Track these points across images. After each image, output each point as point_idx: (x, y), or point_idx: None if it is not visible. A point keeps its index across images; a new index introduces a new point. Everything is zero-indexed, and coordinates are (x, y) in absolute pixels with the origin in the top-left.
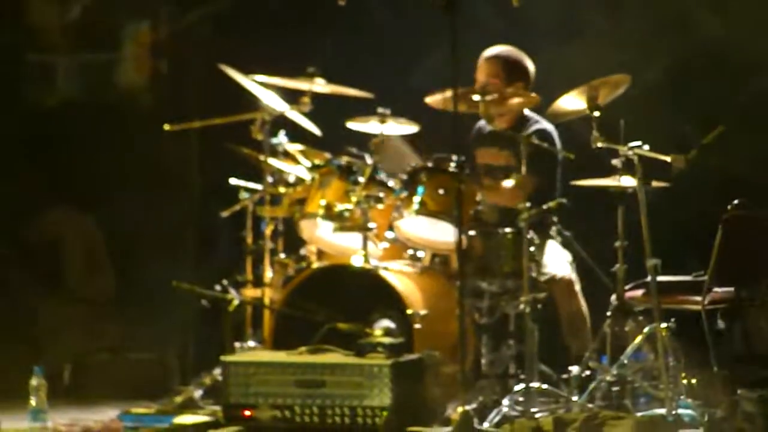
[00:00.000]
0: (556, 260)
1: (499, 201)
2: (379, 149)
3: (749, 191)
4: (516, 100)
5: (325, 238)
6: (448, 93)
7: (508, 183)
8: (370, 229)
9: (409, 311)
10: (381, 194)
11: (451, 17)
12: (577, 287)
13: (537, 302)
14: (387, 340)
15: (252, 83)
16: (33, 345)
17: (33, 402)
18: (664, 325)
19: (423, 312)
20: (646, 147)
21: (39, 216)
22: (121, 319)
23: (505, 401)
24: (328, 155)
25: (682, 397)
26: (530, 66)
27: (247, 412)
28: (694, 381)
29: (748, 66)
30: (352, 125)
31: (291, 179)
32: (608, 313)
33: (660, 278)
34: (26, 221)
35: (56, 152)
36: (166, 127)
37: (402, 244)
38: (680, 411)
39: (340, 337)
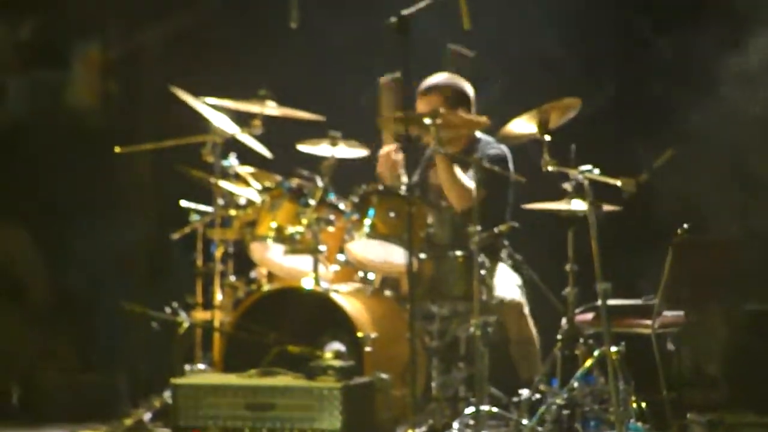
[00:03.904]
0: (506, 284)
1: (449, 186)
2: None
3: (699, 215)
4: (464, 124)
5: (276, 260)
6: (400, 116)
7: (470, 183)
8: (321, 252)
9: (359, 334)
10: (332, 217)
11: (403, 38)
12: (526, 310)
13: (487, 325)
14: (337, 362)
15: (203, 105)
16: None
17: None
18: (614, 348)
19: (373, 335)
20: (596, 171)
21: None
22: (71, 340)
23: (456, 424)
24: (279, 178)
25: (632, 420)
26: (469, 90)
27: None
28: (644, 404)
29: (699, 88)
30: (303, 148)
31: (242, 202)
32: (559, 337)
33: (610, 302)
34: None
35: (5, 172)
36: (117, 149)
37: (353, 266)
38: None
39: (290, 360)
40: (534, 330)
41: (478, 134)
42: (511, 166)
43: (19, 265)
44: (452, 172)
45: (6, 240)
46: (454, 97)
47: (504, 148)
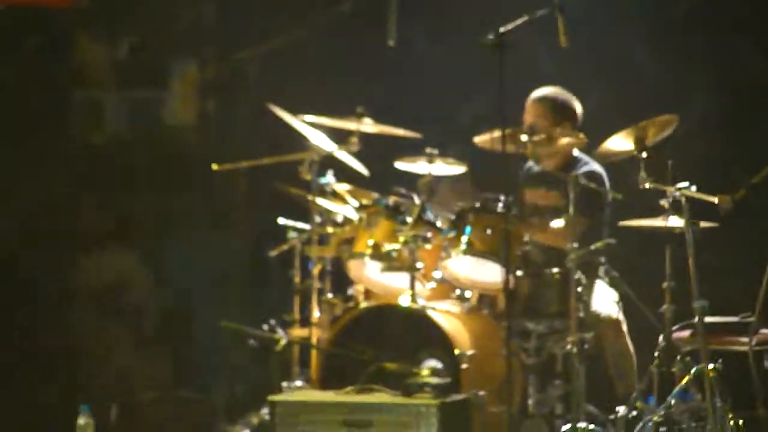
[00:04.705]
0: (604, 300)
1: (549, 241)
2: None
3: None
4: (563, 141)
5: (373, 277)
6: (497, 133)
7: (558, 223)
8: (418, 269)
9: (456, 351)
10: (428, 234)
11: (500, 57)
12: (624, 327)
13: (584, 342)
14: (434, 380)
15: (300, 123)
16: (79, 383)
17: None
18: (711, 365)
19: (470, 352)
20: (693, 188)
21: (92, 256)
22: (169, 358)
23: None
24: (375, 195)
25: None
26: (578, 107)
27: None
28: (741, 422)
29: None
30: (400, 165)
31: (339, 219)
32: (655, 354)
33: (707, 319)
34: (77, 260)
35: (104, 191)
36: (215, 166)
37: (449, 284)
38: None
39: (387, 377)
40: (631, 345)
41: (576, 153)
42: (607, 183)
43: (134, 289)
44: (547, 233)
45: (120, 264)
46: (561, 111)
47: (598, 167)
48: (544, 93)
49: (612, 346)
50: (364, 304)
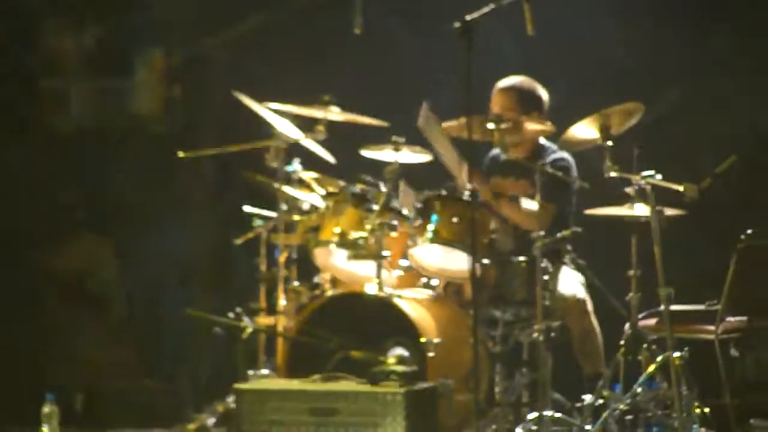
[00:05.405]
0: (569, 282)
1: (520, 223)
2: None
3: (763, 220)
4: (531, 128)
5: (339, 265)
6: (463, 120)
7: (532, 205)
8: (384, 257)
9: (422, 339)
10: (395, 222)
11: (467, 43)
12: (590, 307)
13: (550, 330)
14: (400, 368)
15: (266, 111)
16: (44, 371)
17: (45, 429)
18: (677, 353)
19: (437, 340)
20: (659, 176)
21: (58, 244)
22: (135, 347)
23: (519, 430)
24: (342, 183)
25: (695, 426)
26: (544, 95)
27: None
28: (707, 410)
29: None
30: (367, 153)
31: (305, 207)
32: (621, 342)
33: (673, 307)
34: (44, 248)
35: (69, 179)
36: (181, 154)
37: (416, 272)
38: None
39: (353, 365)
40: (596, 325)
41: (543, 141)
42: (574, 172)
43: (100, 277)
44: (517, 210)
45: (86, 251)
46: (528, 100)
47: (566, 155)
48: (510, 83)
49: (577, 326)
50: (330, 293)
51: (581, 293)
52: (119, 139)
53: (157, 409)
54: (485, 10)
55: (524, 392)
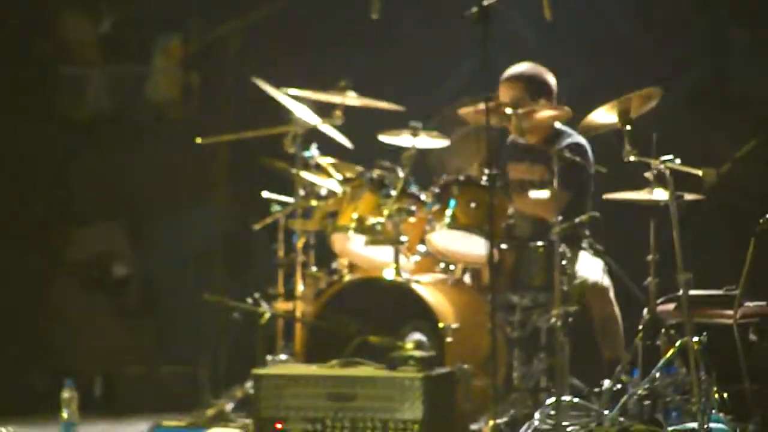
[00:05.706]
0: (590, 267)
1: (533, 212)
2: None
3: None
4: (546, 114)
5: (357, 251)
6: (481, 106)
7: (543, 194)
8: (402, 243)
9: (440, 324)
10: (413, 207)
11: (483, 29)
12: (611, 294)
13: (568, 315)
14: (418, 353)
15: (284, 96)
16: (64, 357)
17: (65, 415)
18: (695, 338)
19: (454, 325)
20: (678, 161)
21: (75, 230)
22: (153, 332)
23: (537, 415)
24: (359, 168)
25: (713, 411)
26: (551, 80)
27: (279, 425)
28: (725, 395)
29: None
30: (384, 138)
31: (323, 192)
32: (640, 327)
33: (692, 292)
34: (62, 235)
35: (87, 166)
36: (198, 140)
37: (434, 257)
38: (712, 425)
39: (371, 351)
40: (618, 312)
41: (559, 125)
42: (591, 156)
43: (119, 263)
44: (529, 202)
45: (104, 237)
46: (536, 87)
47: (583, 140)
48: (516, 71)
49: (599, 312)
50: (348, 278)
51: (604, 279)
52: (137, 125)
53: (176, 394)
54: None
55: (542, 377)
